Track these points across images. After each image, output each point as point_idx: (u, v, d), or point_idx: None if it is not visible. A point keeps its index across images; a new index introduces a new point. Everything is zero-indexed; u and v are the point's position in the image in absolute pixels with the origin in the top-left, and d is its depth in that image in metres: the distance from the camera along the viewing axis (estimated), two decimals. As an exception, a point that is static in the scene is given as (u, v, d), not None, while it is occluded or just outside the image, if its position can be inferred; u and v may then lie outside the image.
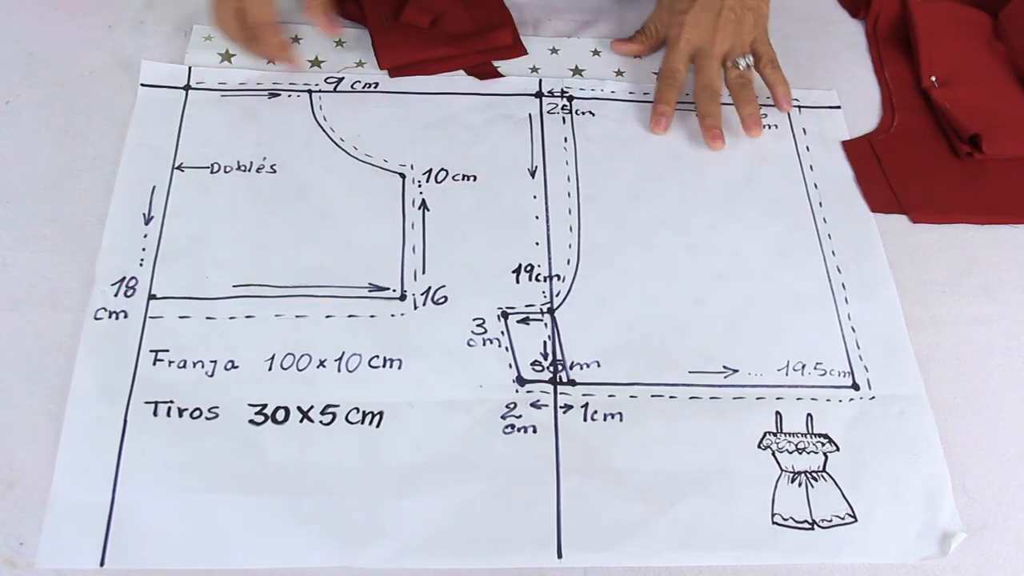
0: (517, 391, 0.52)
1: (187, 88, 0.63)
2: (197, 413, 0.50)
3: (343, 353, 0.52)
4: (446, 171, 0.61)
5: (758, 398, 0.53)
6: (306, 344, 0.52)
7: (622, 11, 0.72)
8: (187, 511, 0.47)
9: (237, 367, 0.51)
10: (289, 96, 0.63)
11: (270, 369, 0.51)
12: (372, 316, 0.54)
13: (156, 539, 0.46)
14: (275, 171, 0.59)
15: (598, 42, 0.70)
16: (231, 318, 0.53)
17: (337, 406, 0.51)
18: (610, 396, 0.52)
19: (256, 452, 0.49)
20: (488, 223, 0.58)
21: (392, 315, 0.54)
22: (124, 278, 0.54)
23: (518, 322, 0.54)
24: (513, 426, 0.51)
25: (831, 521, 0.49)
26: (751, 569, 0.48)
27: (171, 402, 0.50)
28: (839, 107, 0.67)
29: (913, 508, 0.50)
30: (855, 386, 0.54)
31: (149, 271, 0.54)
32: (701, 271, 0.57)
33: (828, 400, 0.53)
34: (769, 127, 0.65)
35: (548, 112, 0.64)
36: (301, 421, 0.50)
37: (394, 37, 0.66)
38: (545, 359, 0.53)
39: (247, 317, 0.53)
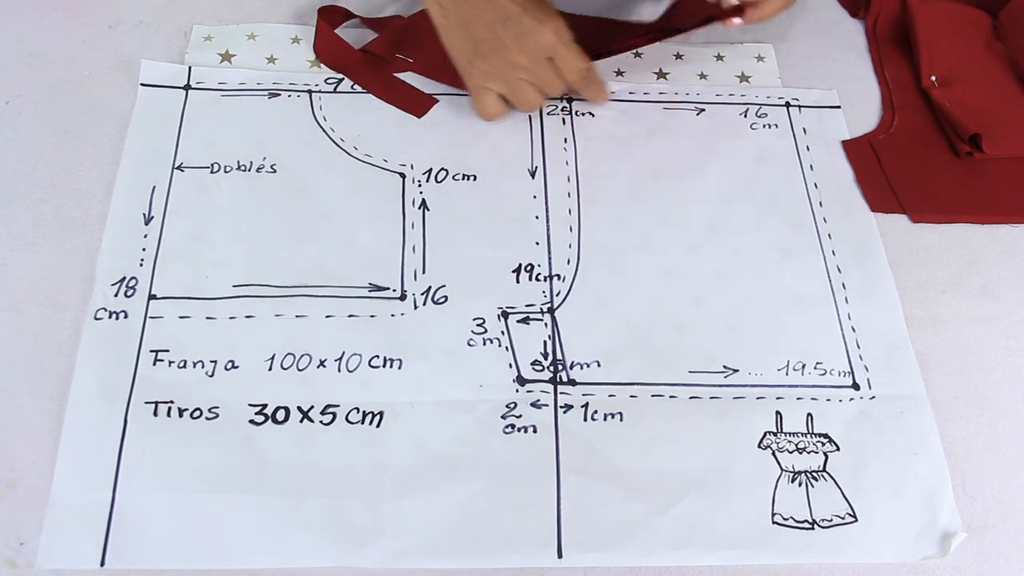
0: (517, 391, 0.52)
1: (187, 88, 0.63)
2: (197, 413, 0.50)
3: (343, 353, 0.52)
4: (446, 171, 0.61)
5: (758, 398, 0.53)
6: (306, 344, 0.52)
7: (622, 12, 0.71)
8: (187, 511, 0.47)
9: (237, 367, 0.51)
10: (289, 96, 0.63)
11: (270, 369, 0.51)
12: (372, 316, 0.54)
13: (156, 539, 0.46)
14: (275, 171, 0.59)
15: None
16: (231, 318, 0.53)
17: (337, 406, 0.51)
18: (610, 396, 0.52)
19: (256, 452, 0.49)
20: (488, 223, 0.58)
21: (392, 315, 0.54)
22: (124, 278, 0.54)
23: (518, 322, 0.54)
24: (513, 426, 0.51)
25: (831, 521, 0.49)
26: (751, 569, 0.48)
27: (171, 402, 0.50)
28: (839, 107, 0.67)
29: (913, 508, 0.50)
30: (855, 386, 0.54)
31: (149, 271, 0.54)
32: (701, 271, 0.57)
33: (828, 400, 0.53)
34: (769, 127, 0.65)
35: (548, 113, 0.64)
36: (301, 421, 0.50)
37: None
38: (545, 359, 0.53)
39: (247, 317, 0.53)
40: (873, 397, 0.53)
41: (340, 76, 0.64)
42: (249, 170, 0.59)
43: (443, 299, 0.55)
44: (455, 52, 0.59)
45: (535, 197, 0.60)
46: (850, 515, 0.49)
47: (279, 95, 0.63)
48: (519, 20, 0.54)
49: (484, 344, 0.53)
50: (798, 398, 0.53)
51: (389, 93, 0.63)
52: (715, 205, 0.61)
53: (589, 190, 0.61)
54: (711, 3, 0.59)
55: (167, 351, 0.52)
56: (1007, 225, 0.62)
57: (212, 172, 0.59)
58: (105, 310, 0.52)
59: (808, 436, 0.52)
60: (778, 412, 0.52)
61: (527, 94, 0.60)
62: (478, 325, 0.54)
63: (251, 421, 0.50)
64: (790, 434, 0.52)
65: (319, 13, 0.66)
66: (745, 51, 0.70)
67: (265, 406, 0.50)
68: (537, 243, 0.58)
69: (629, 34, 0.66)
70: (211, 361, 0.51)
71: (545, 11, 0.55)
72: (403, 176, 0.60)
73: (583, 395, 0.52)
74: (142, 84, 0.62)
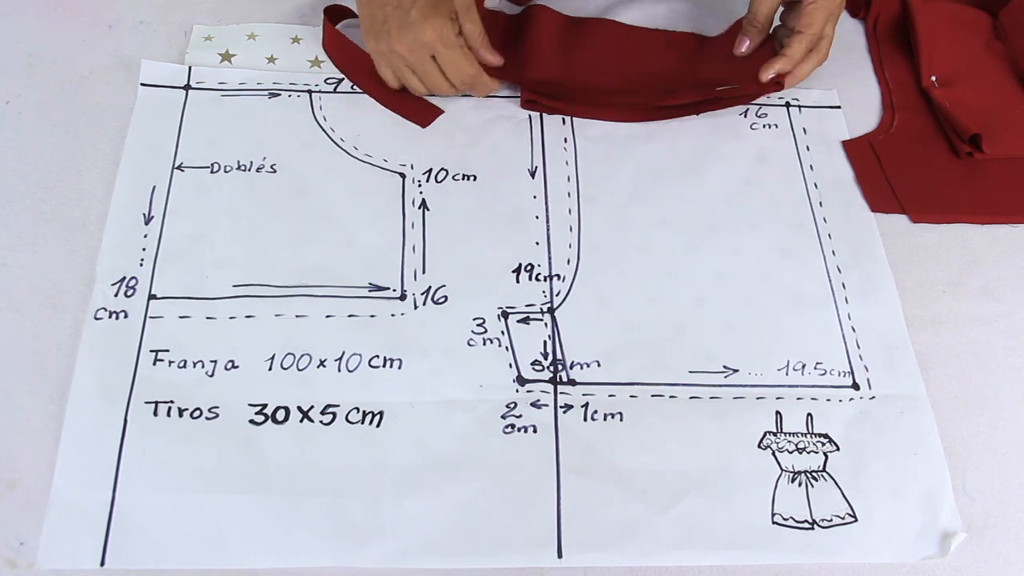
0: (517, 391, 0.52)
1: (187, 88, 0.63)
2: (197, 413, 0.50)
3: (343, 353, 0.52)
4: (446, 171, 0.61)
5: (758, 398, 0.53)
6: (306, 344, 0.52)
7: (620, 12, 0.71)
8: (187, 511, 0.47)
9: (237, 367, 0.51)
10: (289, 96, 0.63)
11: (270, 369, 0.51)
12: (372, 316, 0.54)
13: (156, 539, 0.46)
14: (275, 171, 0.59)
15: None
16: (231, 318, 0.53)
17: (337, 406, 0.51)
18: (610, 396, 0.52)
19: (256, 452, 0.49)
20: (488, 223, 0.58)
21: (392, 315, 0.54)
22: (124, 278, 0.54)
23: (518, 322, 0.54)
24: (513, 426, 0.51)
25: (831, 521, 0.49)
26: (751, 569, 0.48)
27: (171, 402, 0.50)
28: (839, 107, 0.67)
29: (913, 508, 0.50)
30: (855, 386, 0.54)
31: (149, 271, 0.54)
32: (701, 271, 0.57)
33: (828, 400, 0.53)
34: (769, 127, 0.65)
35: (548, 113, 0.64)
36: (301, 421, 0.50)
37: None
38: (545, 359, 0.53)
39: (247, 317, 0.53)
40: (873, 397, 0.53)
41: (340, 76, 0.64)
42: (249, 170, 0.59)
43: (443, 299, 0.55)
44: (360, 20, 0.59)
45: (535, 197, 0.60)
46: (850, 515, 0.49)
47: (279, 95, 0.63)
48: (406, 11, 0.55)
49: (484, 344, 0.53)
50: (798, 398, 0.53)
51: (395, 102, 0.63)
52: (715, 205, 0.61)
53: (589, 190, 0.61)
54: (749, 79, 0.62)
55: (167, 351, 0.52)
56: (1007, 225, 0.62)
57: (212, 172, 0.59)
58: (105, 310, 0.52)
59: (808, 436, 0.52)
60: (778, 412, 0.52)
61: (411, 82, 0.60)
62: (478, 325, 0.54)
63: (251, 421, 0.50)
64: (790, 434, 0.52)
65: (325, 14, 0.65)
66: (745, 51, 0.70)
67: (265, 406, 0.50)
68: (537, 243, 0.58)
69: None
70: (211, 361, 0.51)
71: (437, 9, 0.55)
72: (403, 176, 0.60)
73: (583, 395, 0.52)
74: (142, 84, 0.62)
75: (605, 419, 0.51)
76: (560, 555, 0.47)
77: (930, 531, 0.49)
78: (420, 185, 0.60)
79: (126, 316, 0.52)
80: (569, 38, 0.68)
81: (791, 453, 0.51)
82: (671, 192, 0.61)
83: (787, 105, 0.66)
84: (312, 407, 0.51)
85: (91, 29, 0.66)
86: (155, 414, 0.49)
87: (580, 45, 0.68)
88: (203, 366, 0.51)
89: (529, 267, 0.57)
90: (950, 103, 0.65)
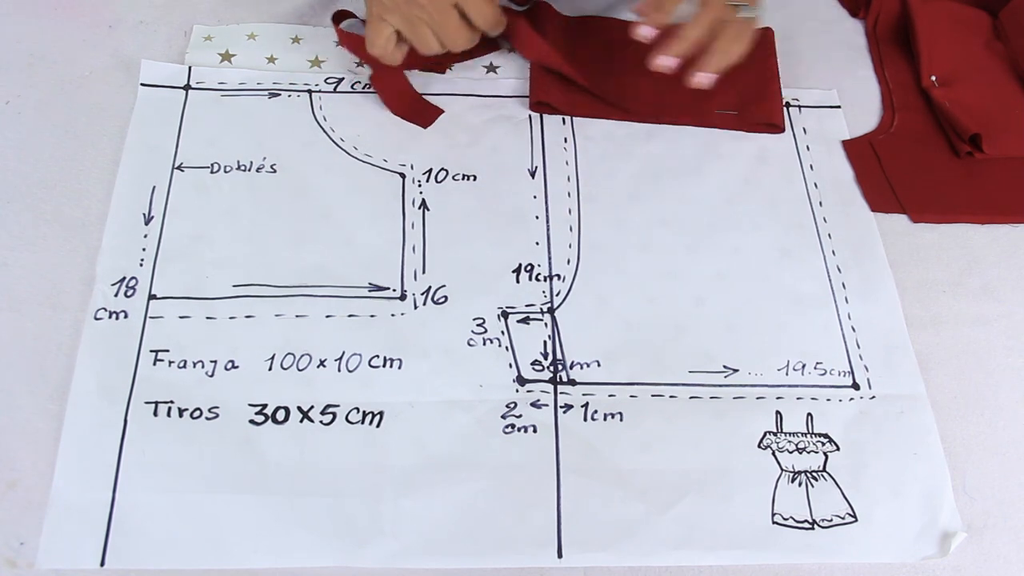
0: (517, 391, 0.52)
1: (187, 88, 0.63)
2: (197, 413, 0.50)
3: (343, 353, 0.52)
4: (446, 171, 0.61)
5: (758, 398, 0.53)
6: (306, 344, 0.52)
7: (621, 11, 0.72)
8: (187, 511, 0.47)
9: (237, 367, 0.51)
10: (289, 96, 0.63)
11: (270, 369, 0.52)
12: (372, 316, 0.54)
13: (156, 539, 0.46)
14: (275, 171, 0.59)
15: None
16: (231, 318, 0.53)
17: (337, 406, 0.51)
18: (610, 396, 0.52)
19: (256, 452, 0.49)
20: (488, 223, 0.58)
21: (392, 315, 0.54)
22: (124, 278, 0.54)
23: (518, 322, 0.54)
24: (513, 426, 0.51)
25: (831, 521, 0.49)
26: (751, 569, 0.48)
27: (171, 402, 0.50)
28: (839, 107, 0.67)
29: (913, 508, 0.50)
30: (855, 386, 0.54)
31: (149, 271, 0.54)
32: (701, 271, 0.57)
33: (828, 400, 0.53)
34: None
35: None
36: (301, 421, 0.50)
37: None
38: (545, 359, 0.53)
39: (247, 317, 0.53)
40: (873, 397, 0.53)
41: (340, 76, 0.64)
42: (249, 170, 0.59)
43: (443, 299, 0.55)
44: None
45: (535, 197, 0.60)
46: (850, 515, 0.49)
47: (279, 95, 0.63)
48: None
49: (484, 344, 0.53)
50: (798, 398, 0.53)
51: (396, 104, 0.63)
52: (715, 205, 0.61)
53: (589, 190, 0.61)
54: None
55: (167, 351, 0.52)
56: (1007, 225, 0.62)
57: (212, 172, 0.59)
58: (105, 310, 0.52)
59: (808, 436, 0.52)
60: (778, 412, 0.52)
61: (424, 36, 0.58)
62: (478, 325, 0.54)
63: (251, 421, 0.50)
64: (790, 434, 0.52)
65: (333, 20, 0.65)
66: (745, 51, 0.70)
67: (265, 406, 0.50)
68: (537, 243, 0.58)
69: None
70: (211, 361, 0.51)
71: None
72: (403, 176, 0.60)
73: (583, 395, 0.52)
74: (142, 84, 0.62)
75: (605, 419, 0.51)
76: (560, 555, 0.47)
77: (930, 531, 0.49)
78: (420, 185, 0.60)
79: (126, 316, 0.52)
80: (573, 35, 0.68)
81: (791, 453, 0.51)
82: (671, 192, 0.61)
83: (787, 105, 0.66)
84: (312, 407, 0.51)
85: (91, 29, 0.66)
86: (155, 414, 0.49)
87: (584, 40, 0.68)
88: (203, 366, 0.51)
89: (529, 267, 0.57)
90: (950, 103, 0.65)
